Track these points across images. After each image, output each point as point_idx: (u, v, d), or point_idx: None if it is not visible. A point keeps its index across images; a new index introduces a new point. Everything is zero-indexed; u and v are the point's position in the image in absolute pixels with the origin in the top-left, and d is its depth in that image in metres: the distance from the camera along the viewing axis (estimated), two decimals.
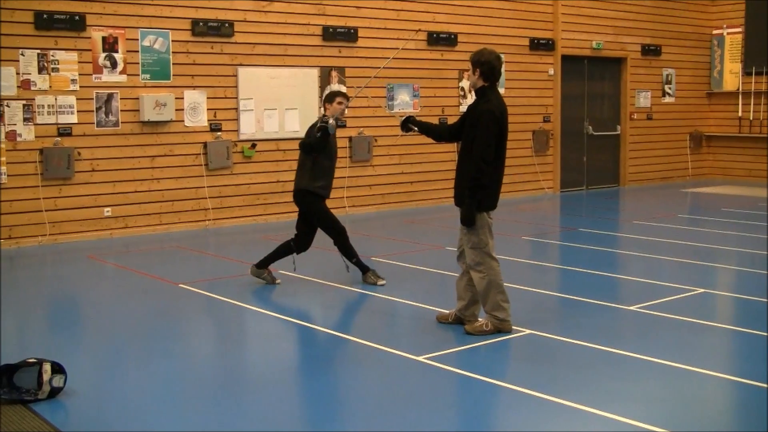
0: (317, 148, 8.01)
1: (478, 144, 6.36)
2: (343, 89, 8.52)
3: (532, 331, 6.64)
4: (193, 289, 8.32)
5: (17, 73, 10.61)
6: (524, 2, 15.75)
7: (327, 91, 8.63)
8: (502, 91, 14.53)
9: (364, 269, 8.47)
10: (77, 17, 10.95)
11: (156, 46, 11.62)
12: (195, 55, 11.98)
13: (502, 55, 6.91)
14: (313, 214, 8.35)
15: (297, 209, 8.53)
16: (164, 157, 11.80)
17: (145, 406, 5.19)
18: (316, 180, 8.20)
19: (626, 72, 17.64)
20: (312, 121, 8.50)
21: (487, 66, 6.46)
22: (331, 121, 7.83)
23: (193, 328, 7.25)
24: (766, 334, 6.53)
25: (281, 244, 8.52)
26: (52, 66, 10.83)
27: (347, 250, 8.42)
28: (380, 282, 8.37)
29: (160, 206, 11.83)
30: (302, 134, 12.48)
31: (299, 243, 8.47)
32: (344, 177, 13.48)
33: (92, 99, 11.16)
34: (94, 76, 11.16)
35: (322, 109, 8.47)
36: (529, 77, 15.96)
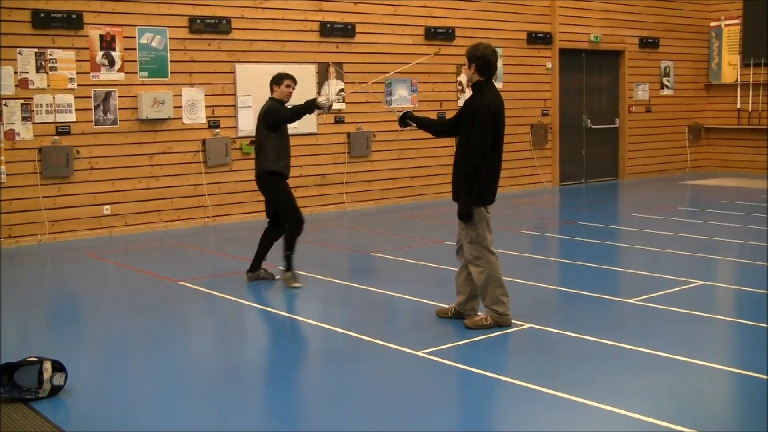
0: (288, 120, 8.08)
1: (474, 139, 6.37)
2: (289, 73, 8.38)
3: (532, 325, 6.65)
4: (193, 286, 8.33)
5: (15, 72, 10.61)
6: None
7: (275, 74, 8.43)
8: (500, 85, 14.63)
9: (288, 267, 8.23)
10: (74, 16, 10.95)
11: (153, 44, 11.61)
12: (192, 53, 11.97)
13: (499, 49, 6.92)
14: (277, 196, 8.27)
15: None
16: (163, 154, 11.81)
17: (145, 404, 5.21)
18: (280, 160, 8.18)
19: (624, 65, 17.63)
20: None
21: (482, 60, 6.46)
22: (328, 102, 7.96)
23: (194, 326, 7.26)
24: (766, 325, 6.54)
25: (260, 240, 8.46)
26: (50, 65, 10.83)
27: (291, 242, 8.23)
28: (295, 285, 8.14)
29: (160, 204, 11.84)
30: (300, 130, 12.63)
31: (274, 229, 8.41)
32: (343, 173, 13.48)
33: (90, 97, 11.16)
34: (91, 74, 11.16)
35: (270, 91, 8.37)
36: (527, 71, 15.94)
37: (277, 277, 8.48)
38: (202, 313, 7.63)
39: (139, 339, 6.72)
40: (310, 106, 7.95)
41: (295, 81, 8.35)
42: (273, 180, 8.23)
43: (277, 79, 8.28)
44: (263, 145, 8.18)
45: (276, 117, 8.07)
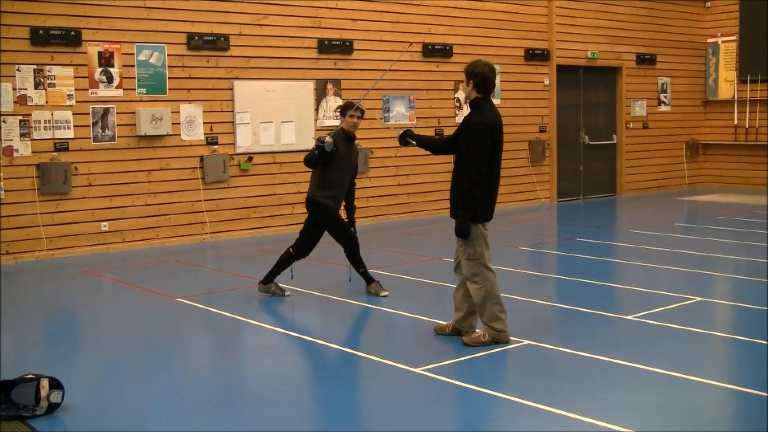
0: (314, 164, 8.09)
1: (471, 156, 6.38)
2: (357, 103, 8.38)
3: (530, 342, 6.64)
4: (190, 302, 8.32)
5: (13, 89, 10.63)
6: (519, 13, 15.80)
7: (342, 103, 8.52)
8: (497, 101, 14.67)
9: (369, 280, 8.49)
10: (73, 33, 10.97)
11: (152, 61, 11.64)
12: (191, 69, 12.00)
13: (497, 66, 6.93)
14: (324, 223, 8.37)
15: (302, 218, 8.57)
16: (161, 171, 11.81)
17: (143, 421, 5.19)
18: (324, 189, 8.23)
19: (621, 81, 17.69)
20: (309, 133, 8.48)
21: (480, 77, 6.48)
22: (327, 139, 7.91)
23: (191, 342, 7.24)
24: (764, 341, 6.54)
25: (281, 255, 8.52)
26: (48, 81, 10.84)
27: (356, 260, 8.43)
28: (383, 293, 8.37)
29: (157, 220, 11.84)
30: (298, 146, 12.68)
31: (299, 248, 8.45)
32: None
33: (88, 114, 11.17)
34: (90, 90, 11.18)
35: (319, 119, 8.51)
36: (525, 88, 15.99)
37: (287, 293, 8.47)
38: (200, 330, 7.62)
39: (136, 356, 6.71)
40: (321, 150, 7.95)
41: (360, 110, 8.30)
42: (316, 207, 8.32)
43: (343, 110, 8.37)
44: (313, 171, 8.36)
45: (304, 159, 8.22)
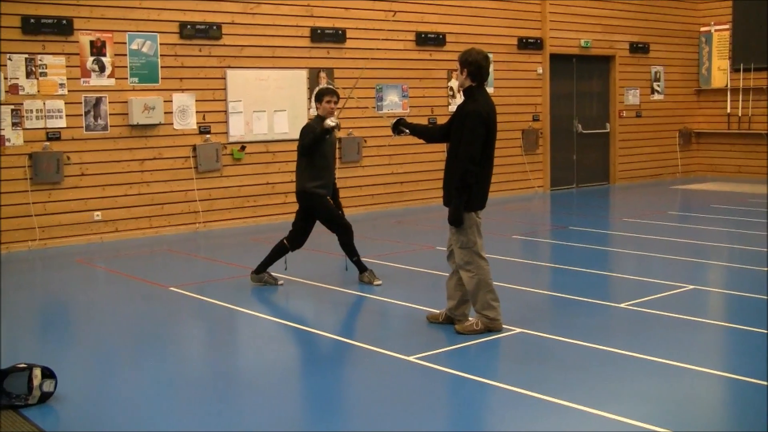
0: (313, 149, 8.08)
1: (464, 144, 6.38)
2: (331, 87, 8.39)
3: (523, 330, 6.65)
4: (184, 292, 8.31)
5: (5, 78, 10.58)
6: (512, 1, 15.78)
7: (315, 90, 8.55)
8: (490, 90, 14.64)
9: (362, 269, 8.49)
10: (65, 21, 10.93)
11: (144, 50, 11.60)
12: (183, 58, 11.96)
13: (490, 55, 6.92)
14: (317, 213, 8.37)
15: (295, 208, 8.55)
16: (153, 160, 11.79)
17: (136, 410, 5.19)
18: (314, 180, 8.23)
19: (615, 70, 17.68)
20: (302, 122, 8.44)
21: (474, 66, 6.47)
22: (336, 121, 7.98)
23: (185, 332, 7.24)
24: (757, 329, 6.56)
25: (275, 245, 8.51)
26: (40, 70, 10.80)
27: (350, 248, 8.43)
28: (376, 282, 8.37)
29: (150, 209, 11.82)
30: (291, 135, 12.64)
31: (293, 240, 8.45)
32: (336, 178, 13.45)
33: (81, 103, 11.14)
34: (82, 80, 11.14)
35: (314, 108, 8.50)
36: (518, 76, 15.98)
37: (280, 282, 8.47)
38: (193, 320, 7.61)
39: (129, 345, 6.70)
40: (323, 132, 7.97)
41: (336, 95, 8.32)
42: (308, 199, 8.32)
43: (318, 96, 8.35)
44: (299, 163, 8.34)
45: (300, 145, 8.20)
